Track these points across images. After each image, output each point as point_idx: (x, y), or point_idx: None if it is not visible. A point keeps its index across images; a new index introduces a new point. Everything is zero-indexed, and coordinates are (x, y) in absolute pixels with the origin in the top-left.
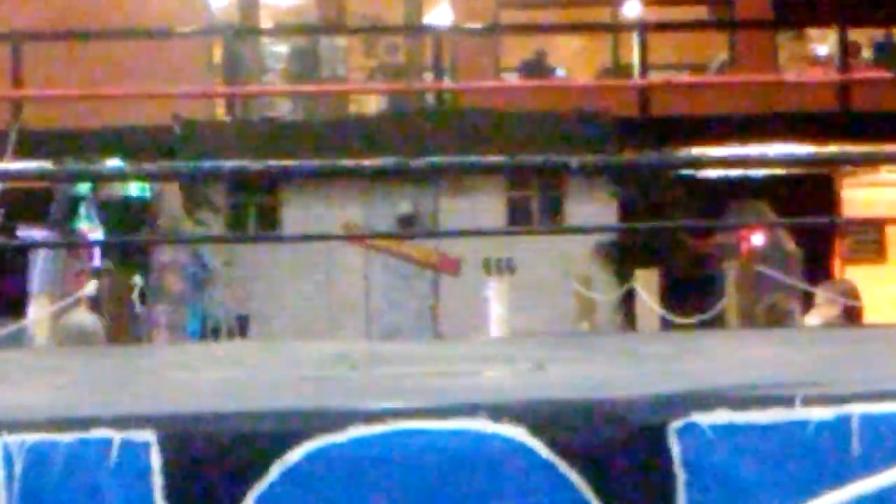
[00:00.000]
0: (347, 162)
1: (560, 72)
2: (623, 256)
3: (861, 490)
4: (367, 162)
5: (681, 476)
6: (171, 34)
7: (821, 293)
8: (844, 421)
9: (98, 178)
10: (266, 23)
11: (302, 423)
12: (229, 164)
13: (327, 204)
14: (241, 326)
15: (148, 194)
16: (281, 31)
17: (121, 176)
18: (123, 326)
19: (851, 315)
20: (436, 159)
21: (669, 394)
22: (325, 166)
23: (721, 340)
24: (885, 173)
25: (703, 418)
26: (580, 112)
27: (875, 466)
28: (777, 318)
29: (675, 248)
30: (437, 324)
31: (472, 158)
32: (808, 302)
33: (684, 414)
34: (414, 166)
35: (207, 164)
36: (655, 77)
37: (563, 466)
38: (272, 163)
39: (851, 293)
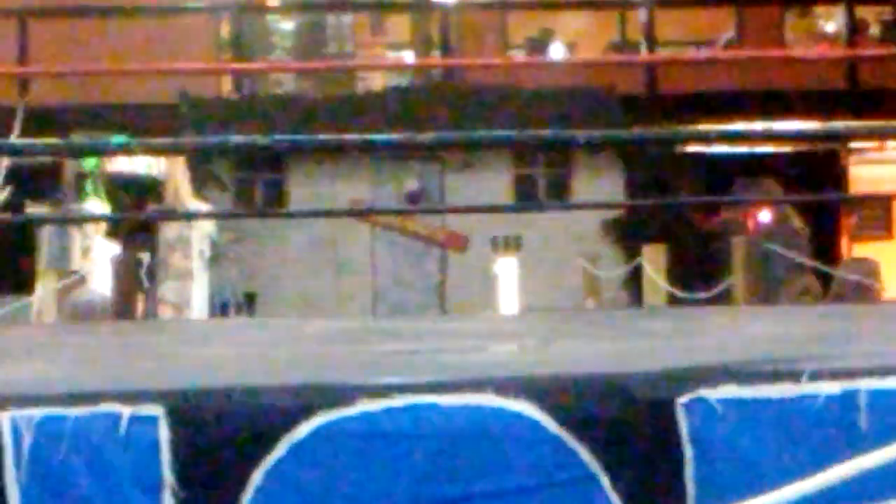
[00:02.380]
0: (354, 136)
1: (567, 48)
2: (630, 233)
3: (868, 464)
4: (374, 137)
5: (688, 450)
6: (178, 11)
7: (842, 271)
8: (851, 396)
9: (105, 153)
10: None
11: (310, 398)
12: (235, 138)
13: (334, 181)
14: (249, 303)
15: (155, 171)
16: (288, 7)
17: (128, 151)
18: (131, 303)
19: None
20: (442, 134)
21: (677, 368)
22: (332, 141)
23: (728, 316)
24: (892, 150)
25: (711, 393)
26: (587, 89)
27: (882, 441)
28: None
29: (682, 225)
30: (444, 300)
31: (479, 133)
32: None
33: (692, 389)
34: (421, 141)
35: (214, 138)
36: (662, 53)
37: (570, 441)
38: (278, 137)
39: (871, 272)
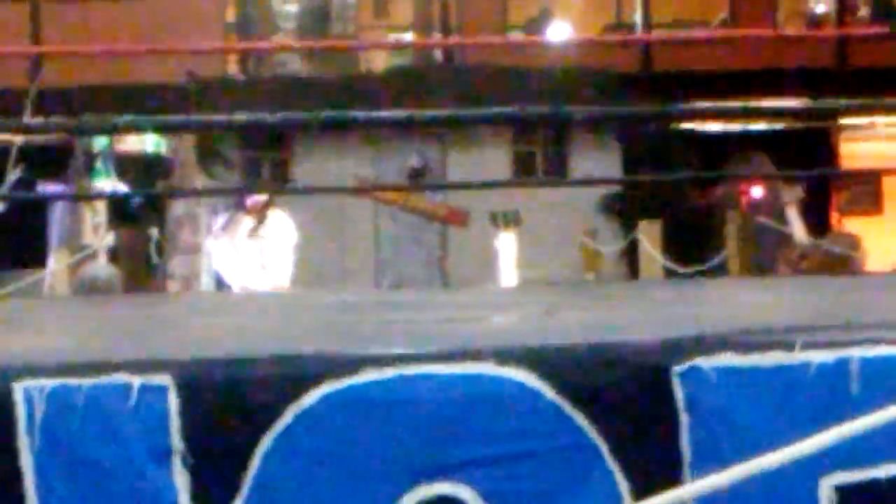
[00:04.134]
0: (358, 114)
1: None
2: (627, 208)
3: (858, 428)
4: (376, 114)
5: (684, 417)
6: None
7: (826, 244)
8: (843, 364)
9: (114, 132)
10: None
11: (316, 367)
12: (242, 116)
13: (338, 159)
14: None
15: (163, 150)
16: None
17: (136, 129)
18: (140, 279)
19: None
20: (442, 112)
21: (673, 337)
22: (336, 118)
23: (723, 287)
24: (882, 128)
25: (707, 361)
26: (584, 68)
27: (873, 407)
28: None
29: (678, 200)
30: (445, 275)
31: (479, 111)
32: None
33: (688, 357)
34: (422, 118)
35: (220, 116)
36: (657, 33)
37: (568, 408)
38: (284, 114)
39: (855, 245)
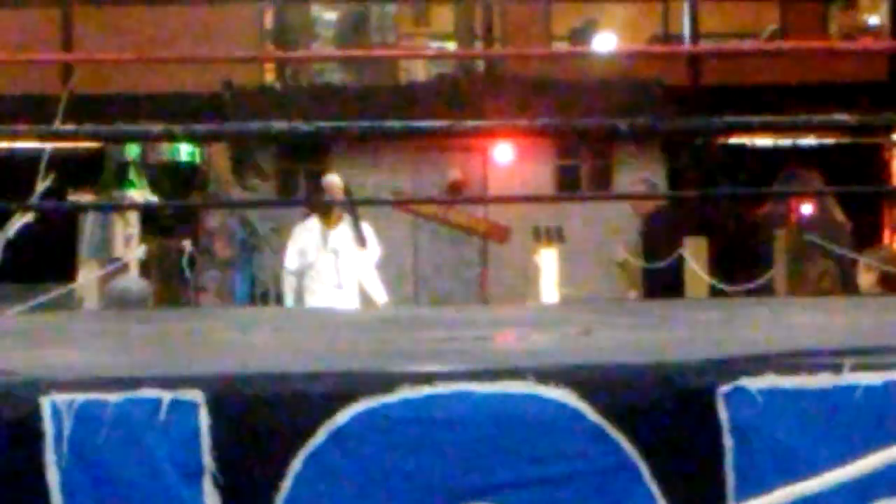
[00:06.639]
0: (395, 123)
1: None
2: (672, 225)
3: None
4: (415, 124)
5: (728, 440)
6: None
7: (862, 261)
8: (892, 386)
9: (147, 140)
10: None
11: (350, 385)
12: (278, 124)
13: (376, 172)
14: None
15: (197, 160)
16: None
17: (170, 137)
18: (172, 291)
19: (891, 282)
20: (484, 122)
21: (718, 358)
22: (373, 128)
23: (770, 307)
24: None
25: (752, 383)
26: (630, 80)
27: None
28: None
29: (725, 217)
30: (485, 291)
31: (521, 122)
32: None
33: (733, 378)
34: (463, 129)
35: (256, 125)
36: (706, 44)
37: (610, 430)
38: (319, 124)
39: (893, 261)
